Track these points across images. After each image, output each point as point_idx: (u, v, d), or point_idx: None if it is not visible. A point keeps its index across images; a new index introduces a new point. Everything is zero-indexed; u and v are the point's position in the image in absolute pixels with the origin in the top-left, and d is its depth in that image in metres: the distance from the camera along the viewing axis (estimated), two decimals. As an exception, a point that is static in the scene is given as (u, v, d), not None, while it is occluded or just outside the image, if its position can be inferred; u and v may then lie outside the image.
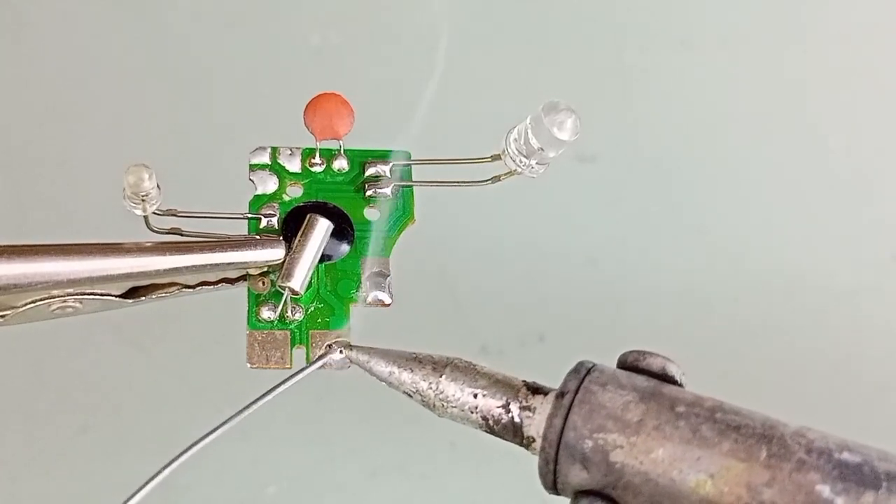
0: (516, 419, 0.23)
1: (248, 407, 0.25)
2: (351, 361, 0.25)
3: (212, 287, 0.27)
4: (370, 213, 0.28)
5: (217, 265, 0.26)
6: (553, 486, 0.22)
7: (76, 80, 0.40)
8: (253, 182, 0.28)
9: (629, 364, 0.23)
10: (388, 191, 0.28)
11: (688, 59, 0.45)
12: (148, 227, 0.26)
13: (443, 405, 0.24)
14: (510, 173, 0.27)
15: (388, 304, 0.27)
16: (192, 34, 0.42)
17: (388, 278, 0.27)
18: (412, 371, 0.24)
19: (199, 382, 0.36)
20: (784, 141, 0.44)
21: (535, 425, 0.22)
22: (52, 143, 0.39)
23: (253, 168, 0.28)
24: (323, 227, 0.26)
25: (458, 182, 0.27)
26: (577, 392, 0.22)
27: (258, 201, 0.27)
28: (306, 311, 0.26)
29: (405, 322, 0.37)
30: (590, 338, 0.40)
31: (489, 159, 0.27)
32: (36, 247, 0.24)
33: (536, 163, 0.26)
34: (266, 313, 0.26)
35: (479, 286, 0.39)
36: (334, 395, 0.37)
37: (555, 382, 0.38)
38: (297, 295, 0.26)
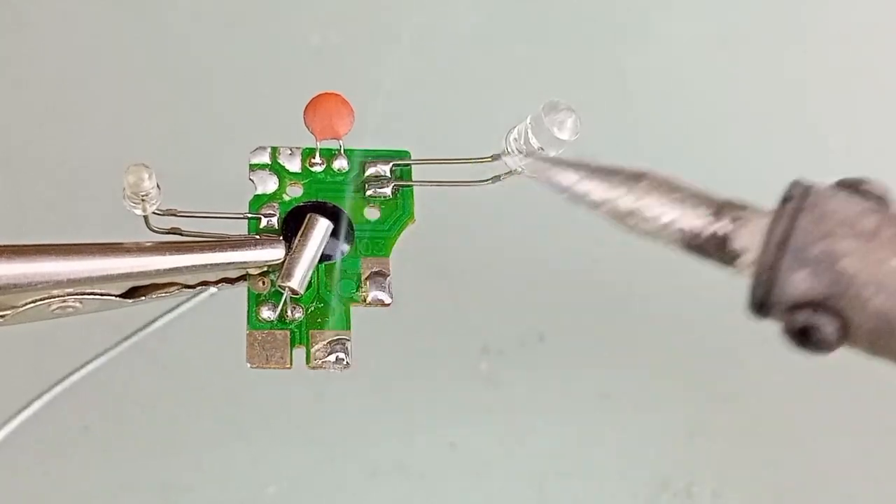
0: (723, 230, 0.20)
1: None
2: (533, 172, 0.23)
3: (212, 287, 0.27)
4: (370, 213, 0.28)
5: (217, 265, 0.26)
6: (763, 302, 0.20)
7: (76, 80, 0.40)
8: (253, 182, 0.28)
9: (849, 185, 0.21)
10: (388, 190, 0.28)
11: (688, 59, 0.45)
12: (148, 227, 0.26)
13: (635, 218, 0.21)
14: (510, 173, 0.27)
15: (388, 304, 0.27)
16: (192, 34, 0.42)
17: (388, 278, 0.27)
18: (602, 180, 0.21)
19: (199, 382, 0.36)
20: (784, 141, 0.44)
21: (748, 236, 0.20)
22: (52, 143, 0.39)
23: (253, 168, 0.28)
24: (323, 226, 0.26)
25: (458, 182, 0.27)
26: (804, 198, 0.20)
27: (258, 201, 0.27)
28: (306, 310, 0.26)
29: (405, 322, 0.37)
30: (590, 338, 0.40)
31: (489, 159, 0.27)
32: (36, 247, 0.24)
33: (537, 162, 0.26)
34: (266, 313, 0.26)
35: (479, 286, 0.39)
36: (334, 395, 0.37)
37: (555, 382, 0.38)
38: (297, 295, 0.26)
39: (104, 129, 0.39)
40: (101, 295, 0.26)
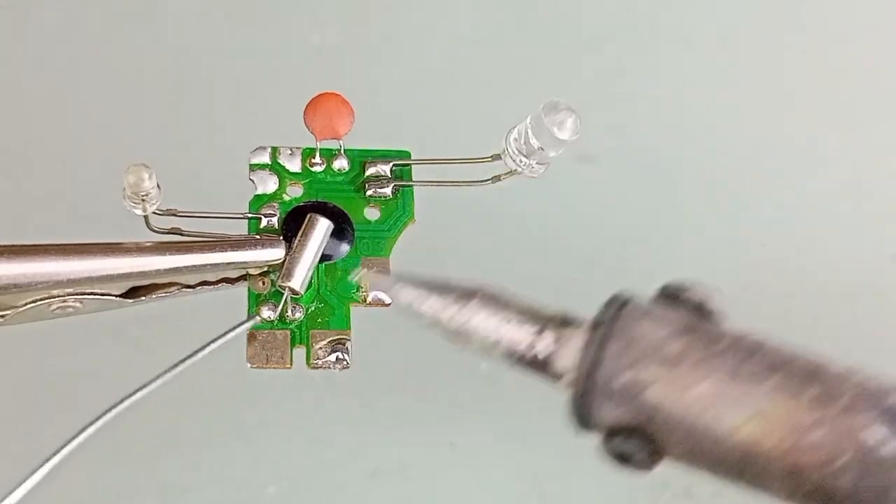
0: (545, 352, 0.21)
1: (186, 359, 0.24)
2: (378, 289, 0.25)
3: (212, 287, 0.27)
4: (370, 213, 0.28)
5: (217, 265, 0.26)
6: (584, 423, 0.21)
7: (76, 81, 0.40)
8: (253, 182, 0.28)
9: (668, 295, 0.21)
10: (388, 190, 0.28)
11: (688, 59, 0.45)
12: (148, 227, 0.26)
13: (466, 336, 0.22)
14: (510, 173, 0.27)
15: (388, 304, 0.27)
16: (193, 34, 0.42)
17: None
18: (436, 298, 0.22)
19: (199, 382, 0.36)
20: (784, 141, 0.44)
21: (566, 358, 0.21)
22: (52, 142, 0.39)
23: (253, 168, 0.28)
24: (323, 226, 0.26)
25: (458, 182, 0.27)
26: (612, 324, 0.20)
27: (258, 201, 0.27)
28: (306, 310, 0.26)
29: (405, 322, 0.37)
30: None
31: (489, 159, 0.27)
32: (36, 247, 0.24)
33: (536, 162, 0.26)
34: (266, 313, 0.26)
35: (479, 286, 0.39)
36: (334, 396, 0.37)
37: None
38: (298, 295, 0.26)
39: (104, 128, 0.39)
40: (102, 295, 0.26)
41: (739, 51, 0.46)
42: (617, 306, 0.21)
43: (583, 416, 0.21)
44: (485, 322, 0.22)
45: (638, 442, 0.20)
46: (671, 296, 0.21)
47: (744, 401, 0.19)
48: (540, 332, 0.21)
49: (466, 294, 0.22)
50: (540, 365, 0.21)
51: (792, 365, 0.20)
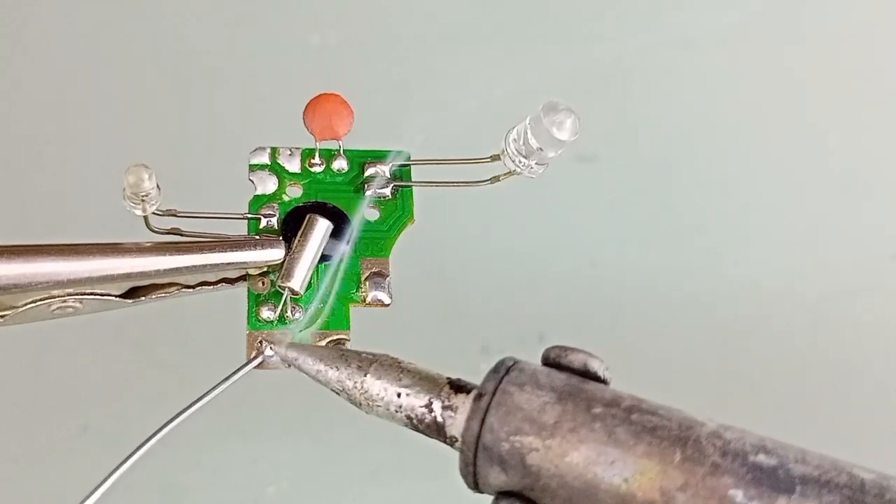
0: (439, 419, 0.22)
1: (184, 411, 0.25)
2: (281, 359, 0.25)
3: (211, 287, 0.27)
4: (370, 213, 0.28)
5: (217, 265, 0.26)
6: (475, 486, 0.22)
7: (76, 80, 0.40)
8: (253, 182, 0.27)
9: (551, 360, 0.22)
10: (387, 191, 0.28)
11: (688, 59, 0.45)
12: (148, 228, 0.26)
13: (368, 404, 0.23)
14: (509, 173, 0.26)
15: (388, 304, 0.27)
16: (193, 34, 0.42)
17: (388, 278, 0.27)
18: (338, 369, 0.24)
19: (199, 382, 0.36)
20: (784, 141, 0.44)
21: (457, 425, 0.22)
22: (52, 142, 0.39)
23: (253, 168, 0.28)
24: (322, 227, 0.26)
25: (457, 182, 0.27)
26: (494, 393, 0.21)
27: (258, 201, 0.27)
28: (306, 310, 0.26)
29: (405, 322, 0.37)
30: (590, 338, 0.39)
31: (488, 159, 0.27)
32: (36, 247, 0.24)
33: (536, 163, 0.26)
34: (266, 313, 0.26)
35: (479, 286, 0.39)
36: (334, 395, 0.37)
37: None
38: (297, 295, 0.26)
39: (104, 128, 0.39)
40: (101, 295, 0.26)
41: (739, 51, 0.46)
42: (501, 373, 0.22)
43: (473, 479, 0.22)
44: (384, 389, 0.23)
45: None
46: (554, 362, 0.22)
47: (616, 466, 0.20)
48: (434, 400, 0.22)
49: (366, 361, 0.24)
50: (437, 430, 0.22)
51: (664, 428, 0.20)
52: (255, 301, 0.26)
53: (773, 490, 0.19)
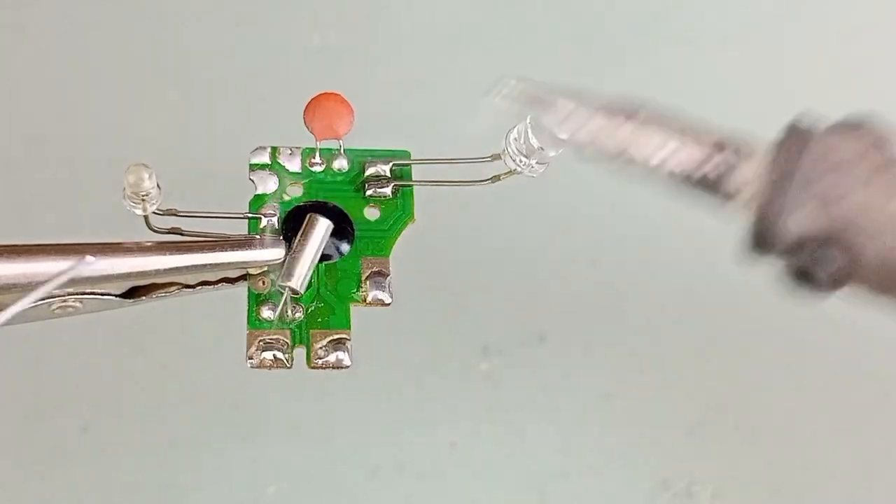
0: (723, 164, 0.20)
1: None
2: (533, 109, 0.22)
3: (212, 287, 0.27)
4: (370, 213, 0.28)
5: (217, 265, 0.26)
6: (764, 239, 0.20)
7: (76, 80, 0.40)
8: (253, 182, 0.28)
9: (848, 125, 0.20)
10: (387, 190, 0.28)
11: (688, 60, 0.45)
12: (148, 227, 0.26)
13: (633, 150, 0.20)
14: (510, 173, 0.27)
15: (389, 304, 0.27)
16: (193, 35, 0.42)
17: (388, 278, 0.27)
18: (599, 112, 0.21)
19: (199, 382, 0.36)
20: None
21: (749, 169, 0.20)
22: (52, 143, 0.39)
23: (253, 168, 0.28)
24: (323, 226, 0.26)
25: (457, 182, 0.27)
26: (803, 137, 0.20)
27: (258, 201, 0.27)
28: (306, 310, 0.26)
29: (405, 322, 0.37)
30: (590, 338, 0.40)
31: (489, 159, 0.27)
32: (36, 246, 0.24)
33: (536, 162, 0.26)
34: (266, 313, 0.26)
35: (480, 286, 0.39)
36: (334, 396, 0.37)
37: (556, 382, 0.38)
38: (298, 294, 0.26)
39: (104, 129, 0.39)
40: (102, 295, 0.26)
41: (739, 51, 0.46)
42: (800, 130, 0.20)
43: (766, 229, 0.20)
44: (655, 136, 0.20)
45: (832, 252, 0.19)
46: (850, 127, 0.20)
47: None
48: (717, 145, 0.20)
49: (632, 108, 0.21)
50: (717, 178, 0.20)
51: None
52: (256, 301, 0.26)
53: None
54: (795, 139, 0.20)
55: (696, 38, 0.46)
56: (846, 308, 0.42)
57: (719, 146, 0.20)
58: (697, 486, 0.38)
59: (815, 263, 0.19)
